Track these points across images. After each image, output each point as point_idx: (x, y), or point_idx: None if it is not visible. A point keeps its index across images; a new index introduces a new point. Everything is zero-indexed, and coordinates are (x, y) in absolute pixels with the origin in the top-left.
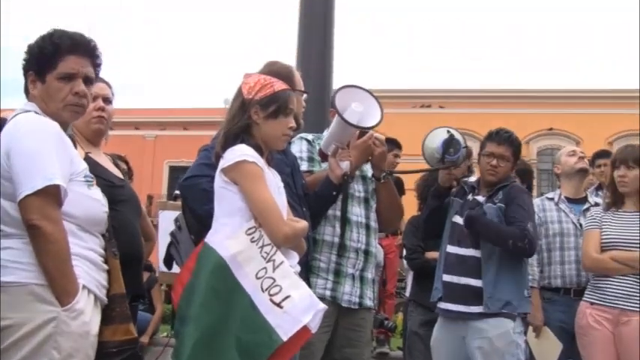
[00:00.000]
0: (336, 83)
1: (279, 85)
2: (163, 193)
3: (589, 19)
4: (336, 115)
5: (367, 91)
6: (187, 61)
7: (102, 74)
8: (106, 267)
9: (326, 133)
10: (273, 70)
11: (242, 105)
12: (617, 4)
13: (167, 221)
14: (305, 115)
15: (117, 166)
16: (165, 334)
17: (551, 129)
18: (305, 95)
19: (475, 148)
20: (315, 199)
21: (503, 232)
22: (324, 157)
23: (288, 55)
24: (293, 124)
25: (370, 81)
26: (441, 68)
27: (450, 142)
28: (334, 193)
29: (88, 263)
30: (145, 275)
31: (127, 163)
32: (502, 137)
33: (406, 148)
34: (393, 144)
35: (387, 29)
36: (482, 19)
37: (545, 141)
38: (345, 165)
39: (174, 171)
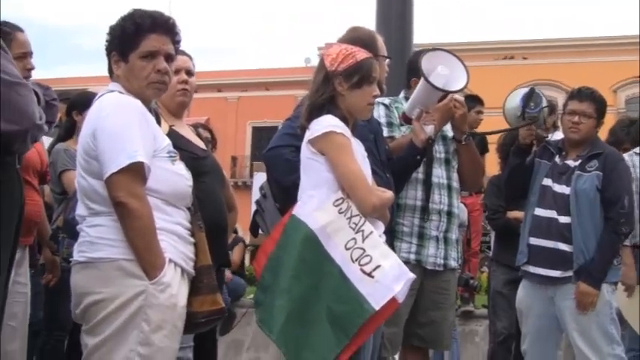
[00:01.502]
0: (416, 39)
1: (362, 54)
2: (247, 155)
3: None
4: (422, 79)
5: (452, 53)
6: (267, 20)
7: (183, 39)
8: (192, 240)
9: (402, 96)
10: (356, 36)
11: (325, 77)
12: None
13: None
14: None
15: (199, 136)
16: (251, 296)
17: (639, 77)
18: (388, 60)
19: (561, 99)
20: (399, 163)
21: (609, 249)
22: (407, 120)
23: (369, 15)
24: (377, 91)
25: (451, 35)
26: (524, 18)
27: (530, 96)
28: (418, 157)
29: (175, 237)
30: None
31: (210, 131)
32: (584, 94)
33: (490, 102)
34: (475, 100)
35: None
36: None
37: (633, 89)
38: (430, 129)
39: (258, 131)
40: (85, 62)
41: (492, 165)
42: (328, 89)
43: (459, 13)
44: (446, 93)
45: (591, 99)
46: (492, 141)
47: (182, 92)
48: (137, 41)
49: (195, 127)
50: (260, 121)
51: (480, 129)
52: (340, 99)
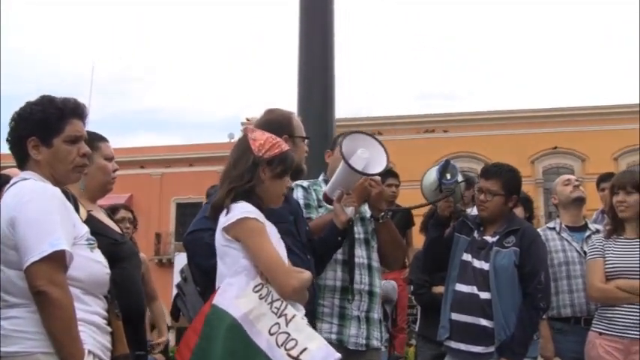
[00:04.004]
0: (338, 114)
1: (286, 146)
2: (171, 231)
3: (586, 35)
4: (342, 161)
5: (373, 136)
6: (189, 96)
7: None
8: (109, 329)
9: (321, 178)
10: (272, 117)
11: (253, 163)
12: (614, 19)
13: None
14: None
15: (111, 218)
16: None
17: (555, 148)
18: (307, 140)
19: (479, 170)
20: (320, 244)
21: (529, 325)
22: (329, 201)
23: (291, 92)
24: (290, 183)
25: (373, 109)
26: (444, 94)
27: (445, 168)
28: (339, 238)
29: (93, 327)
30: None
31: (131, 211)
32: (490, 172)
33: (413, 174)
34: (389, 174)
35: (387, 57)
36: (479, 41)
37: (550, 160)
38: (350, 210)
39: (182, 208)
40: None
41: (420, 238)
42: (254, 176)
43: (381, 87)
44: (366, 177)
45: (497, 176)
46: (420, 213)
47: (113, 180)
48: (61, 126)
49: (116, 207)
50: (184, 197)
51: (404, 202)
52: (259, 186)
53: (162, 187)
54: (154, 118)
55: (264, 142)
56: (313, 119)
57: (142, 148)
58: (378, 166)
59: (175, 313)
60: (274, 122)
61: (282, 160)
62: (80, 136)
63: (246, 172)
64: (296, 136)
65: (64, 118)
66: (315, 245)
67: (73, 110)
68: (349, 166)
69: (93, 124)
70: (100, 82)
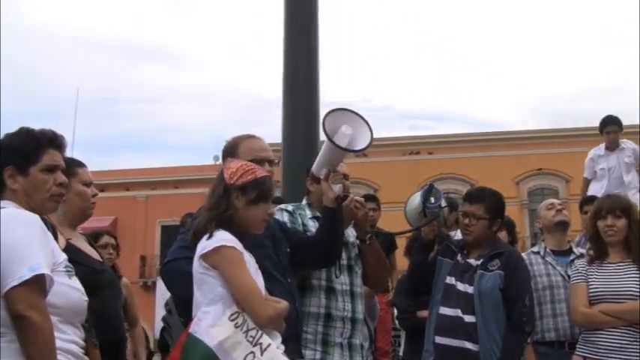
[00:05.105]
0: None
1: (261, 172)
2: (157, 254)
3: (567, 57)
4: (326, 140)
5: (356, 113)
6: (174, 117)
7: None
8: (86, 358)
9: (305, 202)
10: (226, 144)
11: (225, 190)
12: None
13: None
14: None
15: (92, 245)
16: None
17: (540, 169)
18: (276, 162)
19: (464, 192)
20: (319, 233)
21: (515, 350)
22: (316, 180)
23: (277, 113)
24: (272, 210)
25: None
26: (429, 116)
27: (429, 191)
28: (333, 216)
29: (71, 357)
30: None
31: (114, 237)
32: (473, 196)
33: (399, 195)
34: (368, 198)
35: (372, 78)
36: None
37: (535, 181)
38: (338, 188)
39: (167, 230)
40: None
41: (404, 261)
42: (228, 203)
43: (366, 109)
44: (350, 152)
45: (481, 200)
46: (403, 237)
47: (93, 205)
48: (38, 155)
49: (100, 233)
50: (169, 219)
51: (389, 224)
52: (235, 213)
53: (148, 209)
54: (139, 140)
55: (235, 169)
56: (300, 138)
57: (127, 170)
58: (363, 141)
59: (163, 346)
60: (225, 147)
61: (256, 186)
62: (57, 166)
63: (220, 199)
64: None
65: (40, 148)
66: (318, 237)
67: (51, 140)
68: (333, 143)
69: (78, 145)
70: (85, 104)
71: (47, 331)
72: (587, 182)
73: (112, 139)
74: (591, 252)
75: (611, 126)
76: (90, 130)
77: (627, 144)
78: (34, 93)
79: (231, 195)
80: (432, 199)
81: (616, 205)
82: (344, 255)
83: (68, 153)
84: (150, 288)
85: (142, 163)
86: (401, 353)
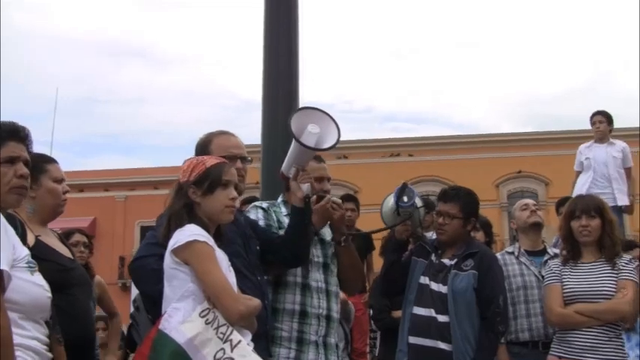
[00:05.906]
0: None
1: (212, 161)
2: None
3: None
4: (293, 140)
5: (323, 111)
6: (154, 118)
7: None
8: (50, 355)
9: (280, 200)
10: (198, 141)
11: (179, 189)
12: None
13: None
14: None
15: (63, 242)
16: None
17: (519, 172)
18: (249, 159)
19: None
20: (289, 232)
21: (488, 350)
22: (285, 179)
23: (257, 116)
24: (234, 194)
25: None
26: (409, 118)
27: (403, 191)
28: (301, 216)
29: (32, 353)
30: None
31: (87, 236)
32: (448, 195)
33: (377, 197)
34: (347, 198)
35: (352, 79)
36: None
37: (514, 184)
38: (306, 187)
39: (146, 231)
40: None
41: (381, 262)
42: (185, 200)
43: (346, 110)
44: (317, 151)
45: (455, 199)
46: (380, 237)
47: (64, 202)
48: None
49: (71, 232)
50: (149, 220)
51: (369, 225)
52: (197, 207)
53: (127, 210)
54: (120, 141)
55: (186, 167)
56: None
57: (106, 170)
58: (330, 139)
59: (130, 344)
60: (197, 144)
61: (206, 176)
62: (16, 157)
63: (174, 197)
64: (233, 156)
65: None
66: (287, 237)
67: (11, 132)
68: (300, 143)
69: (57, 145)
70: (64, 104)
71: (5, 329)
72: (577, 175)
73: (92, 139)
74: (565, 252)
75: (597, 116)
76: (69, 130)
77: (618, 142)
78: (13, 93)
79: (188, 191)
80: (405, 198)
81: (590, 205)
82: (320, 252)
83: (47, 153)
84: (129, 289)
85: (122, 164)
86: (377, 354)
